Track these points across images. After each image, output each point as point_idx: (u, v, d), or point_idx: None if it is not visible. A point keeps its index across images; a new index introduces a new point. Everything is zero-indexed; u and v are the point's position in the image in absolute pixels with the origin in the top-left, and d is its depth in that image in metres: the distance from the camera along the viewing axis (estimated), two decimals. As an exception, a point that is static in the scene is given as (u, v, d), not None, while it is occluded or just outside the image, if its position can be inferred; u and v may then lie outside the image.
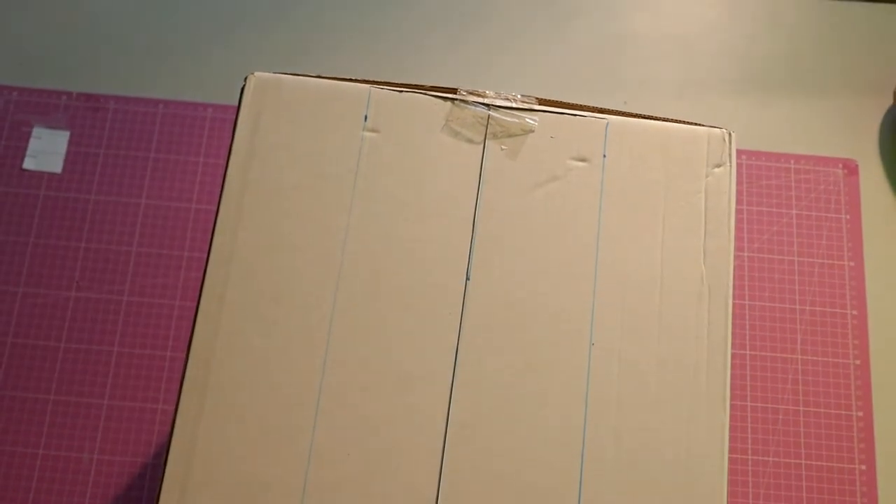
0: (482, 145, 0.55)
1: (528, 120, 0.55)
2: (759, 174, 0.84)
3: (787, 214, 0.83)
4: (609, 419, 0.51)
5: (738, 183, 0.84)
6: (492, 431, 0.50)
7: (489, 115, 0.55)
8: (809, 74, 0.89)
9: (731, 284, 0.53)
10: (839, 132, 0.87)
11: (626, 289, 0.53)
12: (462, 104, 0.56)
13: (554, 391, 0.51)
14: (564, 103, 0.56)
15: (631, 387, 0.51)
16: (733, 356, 0.78)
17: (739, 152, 0.85)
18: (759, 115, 0.87)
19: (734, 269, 0.81)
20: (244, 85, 0.56)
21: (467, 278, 0.52)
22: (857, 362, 0.78)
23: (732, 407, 0.77)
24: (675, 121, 0.56)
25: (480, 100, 0.56)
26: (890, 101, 0.87)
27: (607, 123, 0.56)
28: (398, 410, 0.48)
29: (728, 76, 0.89)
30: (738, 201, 0.83)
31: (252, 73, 0.56)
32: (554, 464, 0.50)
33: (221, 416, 0.50)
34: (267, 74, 0.56)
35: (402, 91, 0.56)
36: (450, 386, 0.51)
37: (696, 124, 0.56)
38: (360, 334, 0.52)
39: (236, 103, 0.56)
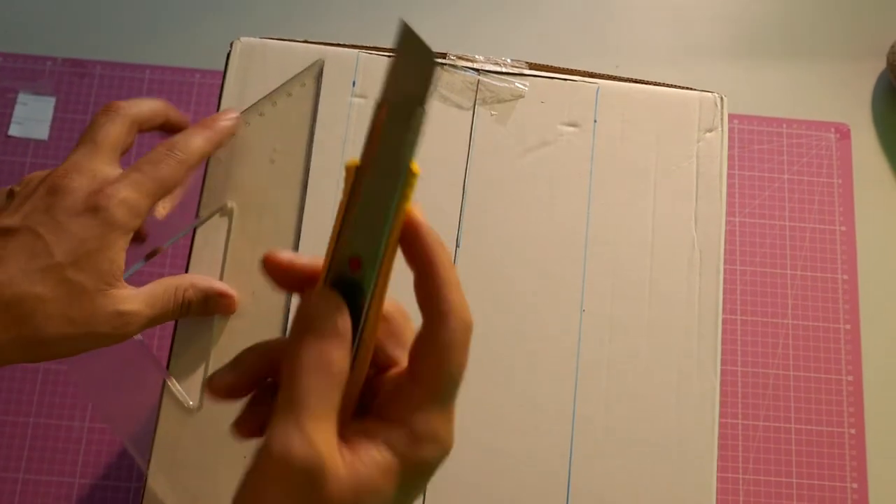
0: (472, 111, 0.54)
1: (517, 85, 0.55)
2: (752, 139, 0.84)
3: (779, 179, 0.83)
4: (599, 385, 0.51)
5: (730, 148, 0.83)
6: (482, 399, 0.50)
7: (479, 81, 0.55)
8: (802, 39, 0.88)
9: (722, 249, 0.53)
10: (832, 96, 0.86)
11: (617, 254, 0.53)
12: (451, 69, 0.55)
13: (545, 358, 0.51)
14: (555, 68, 0.55)
15: (622, 353, 0.51)
16: (724, 321, 0.78)
17: (731, 117, 0.84)
18: (751, 79, 0.87)
19: (725, 234, 0.81)
20: (230, 50, 0.55)
21: (457, 245, 0.52)
22: (848, 327, 0.79)
23: (723, 372, 0.77)
24: (667, 85, 0.56)
25: (470, 64, 0.55)
26: (883, 66, 0.87)
27: (598, 88, 0.55)
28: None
29: (721, 41, 0.88)
30: (730, 166, 0.83)
31: (238, 38, 0.55)
32: (544, 430, 0.50)
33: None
34: (253, 39, 0.55)
35: (391, 56, 0.55)
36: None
37: (687, 88, 0.56)
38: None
39: (223, 69, 0.55)
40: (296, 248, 0.52)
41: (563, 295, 0.52)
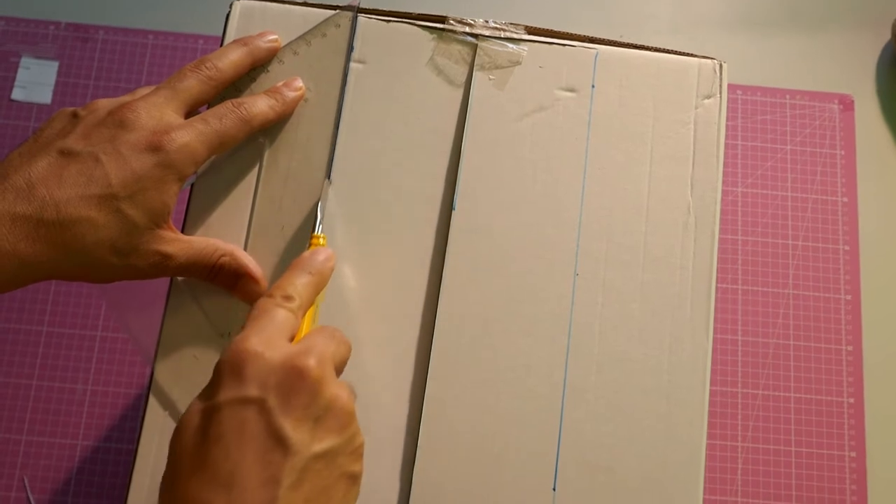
0: (463, 87, 0.54)
1: (516, 49, 0.55)
2: (755, 109, 0.84)
3: (782, 150, 0.83)
4: (591, 348, 0.51)
5: (733, 118, 0.83)
6: (474, 360, 0.51)
7: (477, 46, 0.55)
8: (806, 9, 0.88)
9: (717, 214, 0.53)
10: (835, 67, 0.86)
11: (612, 218, 0.53)
12: (449, 34, 0.55)
13: (537, 320, 0.51)
14: (553, 32, 0.55)
15: (614, 316, 0.51)
16: (725, 290, 0.78)
17: (734, 87, 0.84)
18: (755, 49, 0.86)
19: (727, 204, 0.81)
20: (229, 11, 0.55)
21: (453, 208, 0.52)
22: (849, 297, 0.79)
23: (724, 341, 0.77)
24: (666, 51, 0.56)
25: (469, 29, 0.55)
26: (887, 36, 0.86)
27: (596, 53, 0.55)
28: (381, 340, 0.48)
29: (725, 11, 0.87)
30: (733, 136, 0.83)
31: (237, 0, 0.55)
32: (535, 392, 0.50)
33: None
34: (252, 2, 0.55)
35: (389, 20, 0.55)
36: (433, 316, 0.51)
37: (686, 54, 0.56)
38: (345, 265, 0.52)
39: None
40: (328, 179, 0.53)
41: (557, 258, 0.52)
